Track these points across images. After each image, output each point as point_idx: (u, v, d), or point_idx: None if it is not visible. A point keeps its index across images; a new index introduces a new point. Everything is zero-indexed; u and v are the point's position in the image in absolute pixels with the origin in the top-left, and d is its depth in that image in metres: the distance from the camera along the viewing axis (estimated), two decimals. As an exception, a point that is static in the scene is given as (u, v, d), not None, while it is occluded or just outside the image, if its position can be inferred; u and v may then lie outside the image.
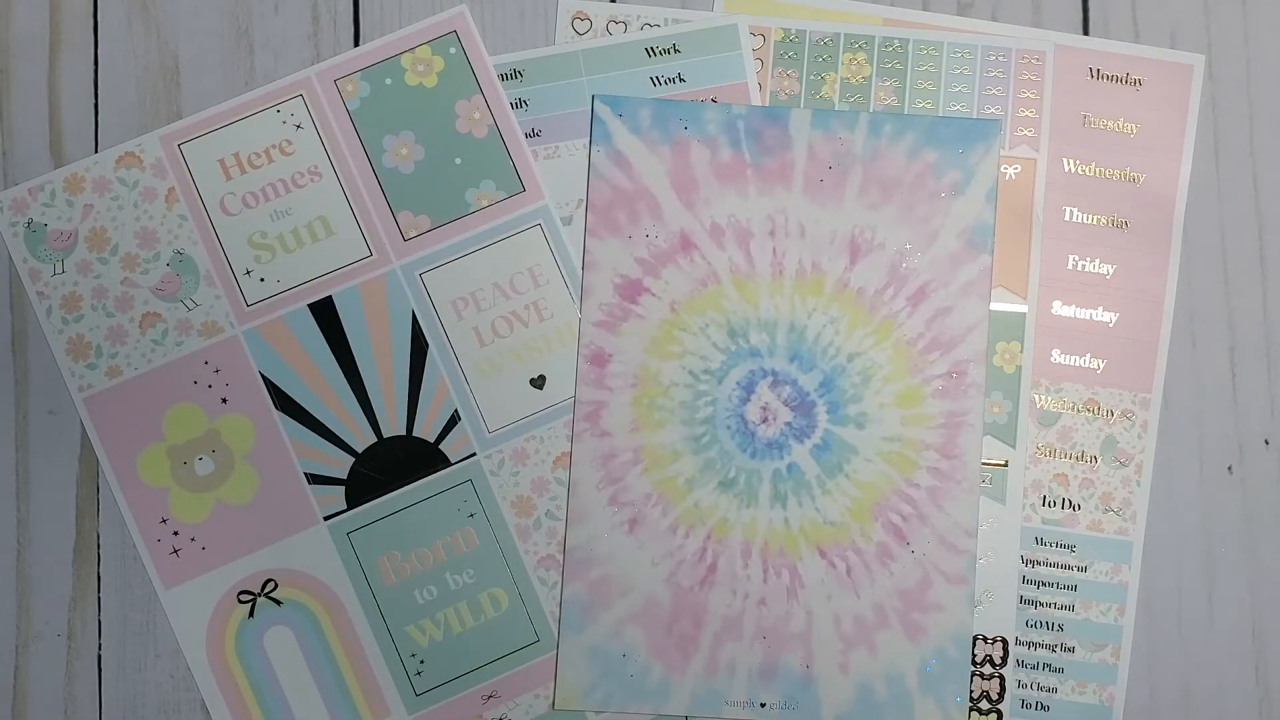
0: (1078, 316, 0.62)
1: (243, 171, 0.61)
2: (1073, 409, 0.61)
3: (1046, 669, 0.61)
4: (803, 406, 0.61)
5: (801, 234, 0.61)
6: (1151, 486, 0.62)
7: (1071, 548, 0.61)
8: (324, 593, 0.60)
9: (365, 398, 0.61)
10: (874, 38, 0.62)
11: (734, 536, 0.60)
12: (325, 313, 0.61)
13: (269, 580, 0.60)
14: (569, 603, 0.60)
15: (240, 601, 0.60)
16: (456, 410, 0.61)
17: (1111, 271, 0.62)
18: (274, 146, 0.61)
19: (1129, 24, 0.63)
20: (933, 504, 0.60)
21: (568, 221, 0.61)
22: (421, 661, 0.60)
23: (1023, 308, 0.61)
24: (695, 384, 0.61)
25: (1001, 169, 0.61)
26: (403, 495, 0.61)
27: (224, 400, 0.61)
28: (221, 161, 0.61)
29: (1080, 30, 0.63)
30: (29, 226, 0.61)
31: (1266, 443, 0.62)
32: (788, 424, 0.61)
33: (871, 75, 0.62)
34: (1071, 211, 0.62)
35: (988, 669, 0.60)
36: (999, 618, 0.61)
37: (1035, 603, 0.61)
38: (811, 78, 0.62)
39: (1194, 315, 0.62)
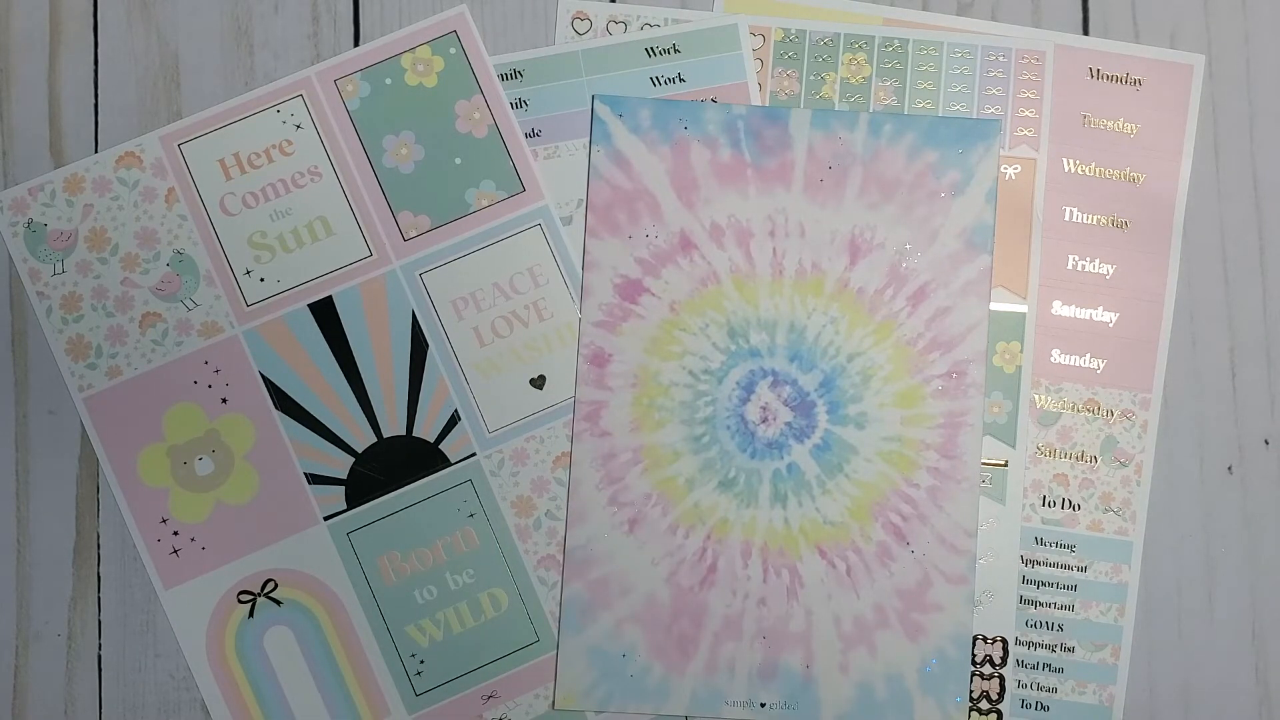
0: (1078, 316, 0.62)
1: (243, 171, 0.61)
2: (1073, 409, 0.61)
3: (1046, 669, 0.61)
4: (803, 406, 0.61)
5: (801, 234, 0.61)
6: (1151, 486, 0.62)
7: (1071, 548, 0.61)
8: (324, 593, 0.60)
9: (365, 398, 0.61)
10: (874, 38, 0.62)
11: (734, 536, 0.60)
12: (325, 313, 0.61)
13: (269, 580, 0.60)
14: (569, 603, 0.60)
15: (240, 601, 0.60)
16: (456, 410, 0.61)
17: (1111, 271, 0.62)
18: (274, 146, 0.61)
19: (1129, 24, 0.63)
20: (933, 504, 0.60)
21: (568, 221, 0.61)
22: (421, 661, 0.60)
23: (1023, 308, 0.61)
24: (695, 384, 0.61)
25: (1001, 169, 0.62)
26: (403, 495, 0.61)
27: (224, 400, 0.61)
28: (221, 161, 0.61)
29: (1080, 30, 0.63)
30: (29, 226, 0.61)
31: (1266, 443, 0.62)
32: (788, 424, 0.61)
33: (871, 75, 0.62)
34: (1071, 211, 0.62)
35: (988, 669, 0.60)
36: (999, 618, 0.61)
37: (1035, 603, 0.61)
38: (811, 78, 0.62)
39: (1194, 315, 0.62)
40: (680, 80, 0.62)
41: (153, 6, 0.62)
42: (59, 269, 0.61)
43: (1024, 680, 0.61)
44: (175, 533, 0.60)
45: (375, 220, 0.61)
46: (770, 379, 0.61)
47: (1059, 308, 0.62)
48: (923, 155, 0.61)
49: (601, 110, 0.61)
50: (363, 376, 0.61)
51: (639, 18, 0.62)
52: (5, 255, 0.61)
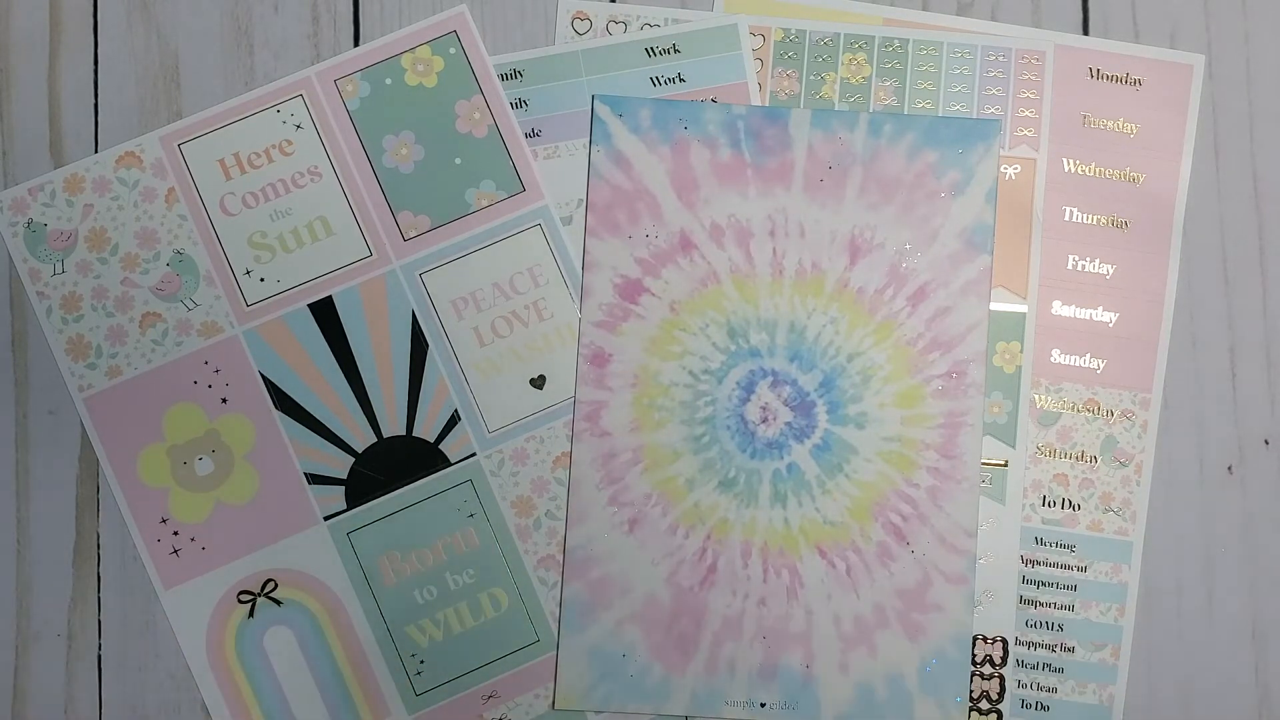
0: (1078, 316, 0.62)
1: (243, 171, 0.61)
2: (1073, 409, 0.61)
3: (1046, 669, 0.61)
4: (803, 406, 0.61)
5: (801, 234, 0.61)
6: (1151, 486, 0.62)
7: (1071, 548, 0.61)
8: (324, 593, 0.60)
9: (365, 398, 0.61)
10: (874, 38, 0.62)
11: (734, 536, 0.60)
12: (325, 313, 0.61)
13: (269, 580, 0.60)
14: (569, 603, 0.60)
15: (240, 601, 0.60)
16: (456, 410, 0.61)
17: (1111, 271, 0.62)
18: (274, 146, 0.61)
19: (1129, 24, 0.63)
20: (933, 504, 0.60)
21: (568, 221, 0.61)
22: (421, 661, 0.60)
23: (1023, 308, 0.61)
24: (695, 384, 0.61)
25: (1001, 169, 0.62)
26: (403, 495, 0.61)
27: (224, 400, 0.61)
28: (221, 161, 0.61)
29: (1080, 30, 0.63)
30: (29, 226, 0.61)
31: (1266, 443, 0.62)
32: (788, 424, 0.61)
33: (871, 75, 0.62)
34: (1071, 211, 0.62)
35: (988, 669, 0.60)
36: (999, 618, 0.61)
37: (1035, 603, 0.61)
38: (811, 78, 0.62)
39: (1194, 315, 0.62)
40: (680, 80, 0.62)
41: (153, 6, 0.62)
42: (59, 269, 0.61)
43: (1024, 680, 0.61)
44: (175, 533, 0.60)
45: (375, 220, 0.61)
46: (770, 379, 0.61)
47: (1059, 308, 0.62)
48: (923, 155, 0.61)
49: (601, 110, 0.61)
50: (363, 376, 0.61)
51: (639, 18, 0.62)
52: (5, 255, 0.61)
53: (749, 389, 0.61)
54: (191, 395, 0.61)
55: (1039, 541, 0.61)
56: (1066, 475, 0.61)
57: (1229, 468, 0.62)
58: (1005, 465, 0.61)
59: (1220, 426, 0.62)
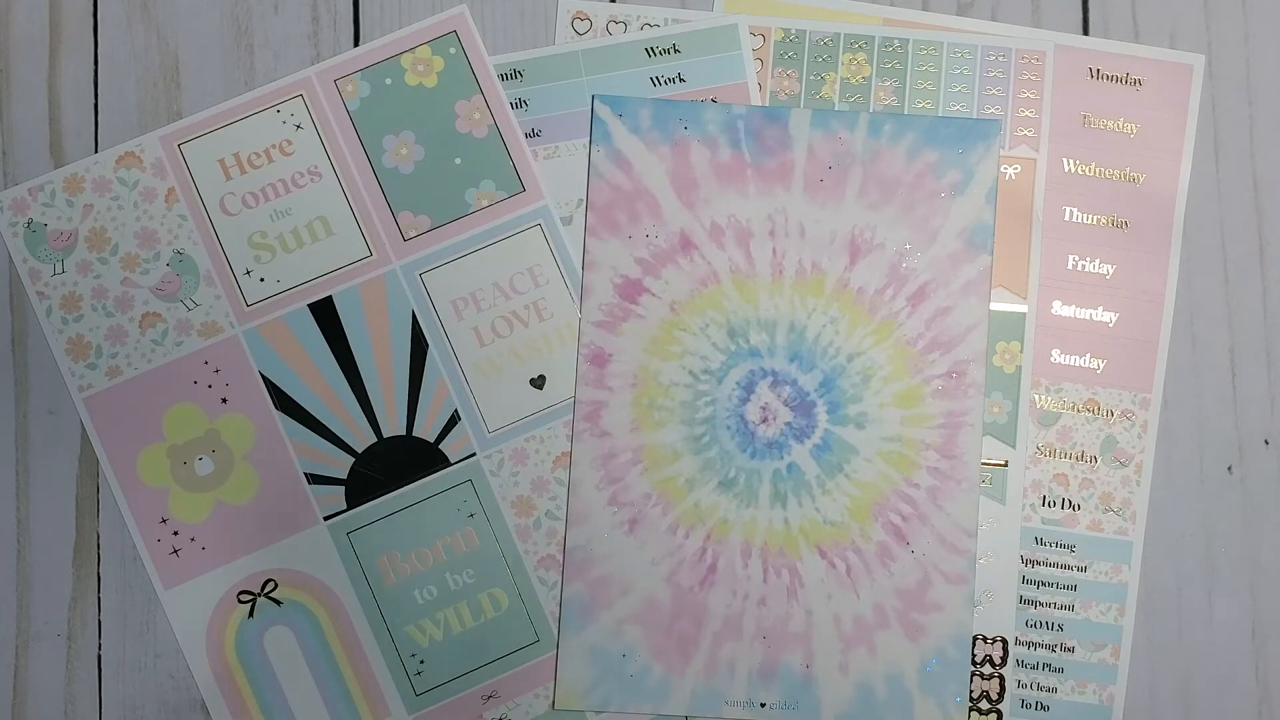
0: (1078, 316, 0.62)
1: (243, 171, 0.61)
2: (1073, 409, 0.61)
3: (1046, 669, 0.61)
4: (802, 406, 0.61)
5: (801, 234, 0.61)
6: (1151, 486, 0.62)
7: (1071, 548, 0.61)
8: (324, 593, 0.60)
9: (365, 398, 0.61)
10: (874, 38, 0.62)
11: (734, 536, 0.60)
12: (325, 313, 0.61)
13: (269, 580, 0.60)
14: (569, 603, 0.60)
15: (240, 601, 0.60)
16: (456, 410, 0.61)
17: (1111, 271, 0.62)
18: (274, 146, 0.61)
19: (1129, 24, 0.63)
20: (933, 504, 0.60)
21: (568, 221, 0.61)
22: (421, 661, 0.60)
23: (1023, 308, 0.61)
24: (695, 384, 0.61)
25: (1001, 169, 0.62)
26: (403, 495, 0.61)
27: (224, 400, 0.61)
28: (221, 161, 0.61)
29: (1080, 30, 0.63)
30: (29, 226, 0.61)
31: (1266, 443, 0.62)
32: (788, 424, 0.61)
33: (871, 75, 0.62)
34: (1071, 211, 0.62)
35: (988, 669, 0.60)
36: (999, 618, 0.61)
37: (1035, 603, 0.61)
38: (811, 78, 0.62)
39: (1194, 315, 0.62)
40: (680, 80, 0.62)
41: (153, 6, 0.62)
42: (59, 269, 0.61)
43: (1024, 680, 0.61)
44: (175, 533, 0.60)
45: (375, 220, 0.61)
46: (770, 379, 0.61)
47: (1059, 308, 0.62)
48: (923, 155, 0.61)
49: (601, 110, 0.61)
50: (363, 376, 0.61)
51: (639, 18, 0.62)
52: (5, 255, 0.61)
53: (749, 389, 0.61)
54: (191, 395, 0.61)
55: (1039, 541, 0.61)
56: (1066, 475, 0.61)
57: (1229, 468, 0.62)
58: (1005, 465, 0.61)
59: (1220, 426, 0.62)
